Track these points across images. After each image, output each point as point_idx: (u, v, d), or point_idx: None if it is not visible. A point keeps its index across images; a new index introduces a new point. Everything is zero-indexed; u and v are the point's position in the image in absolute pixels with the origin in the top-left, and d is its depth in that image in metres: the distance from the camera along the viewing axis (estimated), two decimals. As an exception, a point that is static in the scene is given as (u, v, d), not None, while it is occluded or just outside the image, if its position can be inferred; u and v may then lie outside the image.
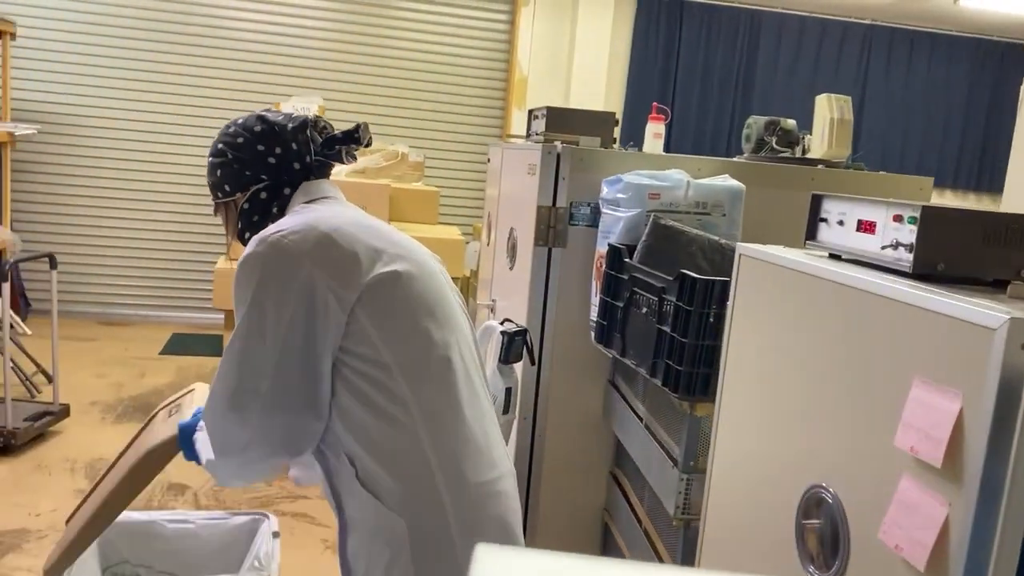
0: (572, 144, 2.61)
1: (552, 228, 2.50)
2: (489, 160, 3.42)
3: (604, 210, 2.40)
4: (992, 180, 7.06)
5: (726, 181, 2.40)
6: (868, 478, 1.17)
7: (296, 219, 1.41)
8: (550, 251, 2.52)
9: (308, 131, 1.52)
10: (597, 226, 2.47)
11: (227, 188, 1.52)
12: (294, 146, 1.51)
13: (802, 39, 6.90)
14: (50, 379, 4.27)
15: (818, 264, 1.37)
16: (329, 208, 1.47)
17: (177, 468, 3.63)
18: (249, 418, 1.33)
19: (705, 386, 1.87)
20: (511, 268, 2.77)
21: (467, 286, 4.73)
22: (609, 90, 6.47)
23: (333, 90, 6.22)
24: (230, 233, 1.58)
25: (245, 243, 1.47)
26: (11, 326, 5.29)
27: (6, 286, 3.75)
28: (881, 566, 1.13)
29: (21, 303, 5.72)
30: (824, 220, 1.48)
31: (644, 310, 2.08)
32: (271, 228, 1.40)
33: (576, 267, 2.52)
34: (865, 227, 1.35)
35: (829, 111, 2.99)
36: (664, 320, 1.97)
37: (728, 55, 6.79)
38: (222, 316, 3.93)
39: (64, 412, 4.04)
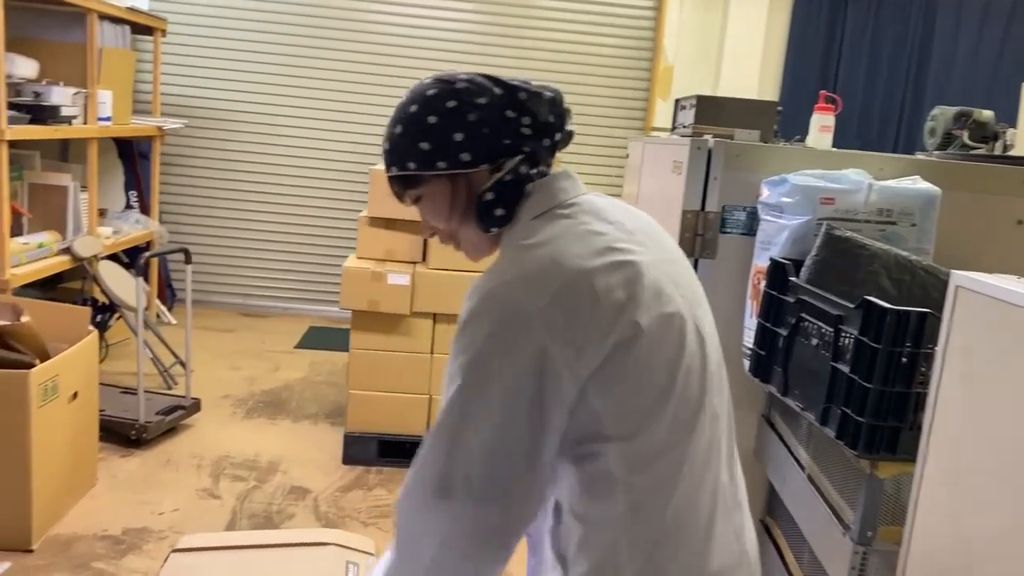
0: (726, 138, 2.26)
1: (700, 236, 2.16)
2: (628, 155, 3.10)
3: (764, 216, 2.04)
4: None
5: (916, 184, 1.99)
6: None
7: (534, 250, 1.08)
8: (696, 263, 2.19)
9: (561, 104, 1.24)
10: (754, 235, 2.12)
11: (464, 157, 1.16)
12: (551, 118, 1.22)
13: (986, 18, 6.13)
14: (184, 367, 4.30)
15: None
16: (577, 224, 1.12)
17: (301, 470, 3.54)
18: (454, 507, 1.07)
19: (893, 442, 1.50)
20: (651, 279, 2.45)
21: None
22: (763, 78, 5.97)
23: (471, 81, 6.04)
24: (443, 221, 1.21)
25: (487, 233, 1.19)
26: (157, 315, 5.44)
27: (141, 281, 3.77)
28: None
29: (167, 293, 5.88)
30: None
31: (814, 342, 1.72)
32: (497, 267, 1.09)
33: (727, 283, 2.18)
34: None
35: (1043, 99, 2.50)
36: (841, 357, 1.60)
37: (899, 38, 6.12)
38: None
39: (195, 406, 4.05)
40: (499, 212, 1.16)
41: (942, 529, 1.27)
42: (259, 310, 6.28)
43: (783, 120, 2.61)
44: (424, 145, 1.16)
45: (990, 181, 2.20)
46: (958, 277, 1.22)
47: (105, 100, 4.57)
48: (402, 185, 1.21)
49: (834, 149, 2.43)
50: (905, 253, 1.83)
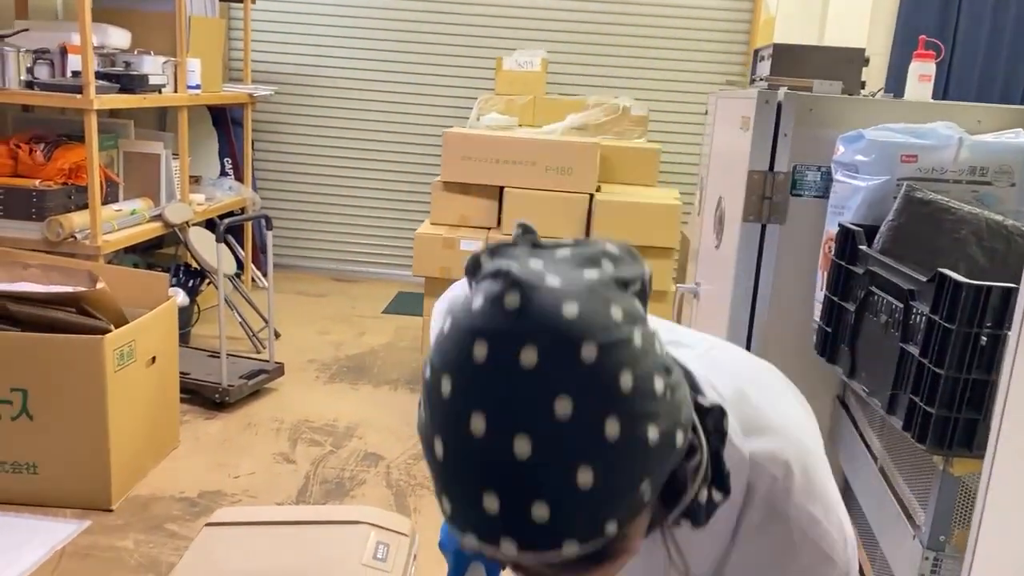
0: (802, 90, 2.05)
1: (767, 199, 1.97)
2: (707, 112, 2.89)
3: (838, 177, 1.83)
4: None
5: (1019, 138, 1.73)
6: None
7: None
8: (764, 228, 1.99)
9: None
10: (828, 198, 1.91)
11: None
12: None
13: None
14: (277, 335, 4.38)
15: None
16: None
17: (376, 436, 3.54)
18: None
19: (969, 436, 1.31)
20: (717, 246, 2.26)
21: (671, 258, 4.23)
22: (874, 29, 5.52)
23: (557, 41, 5.86)
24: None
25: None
26: (252, 280, 5.57)
27: (223, 247, 3.83)
28: None
29: (262, 258, 6.01)
30: None
31: (884, 319, 1.52)
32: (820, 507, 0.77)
33: (798, 250, 1.98)
34: None
35: None
36: (911, 337, 1.40)
37: (1033, -20, 5.52)
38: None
39: (279, 370, 4.11)
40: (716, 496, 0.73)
41: (1013, 534, 1.08)
42: (350, 275, 6.35)
43: (896, 76, 2.35)
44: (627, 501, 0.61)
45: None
46: None
47: (194, 68, 4.65)
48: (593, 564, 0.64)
49: (931, 101, 2.17)
50: (999, 217, 1.60)
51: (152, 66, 4.28)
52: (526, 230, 0.69)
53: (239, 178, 5.57)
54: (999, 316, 1.27)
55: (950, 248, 1.57)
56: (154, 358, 3.14)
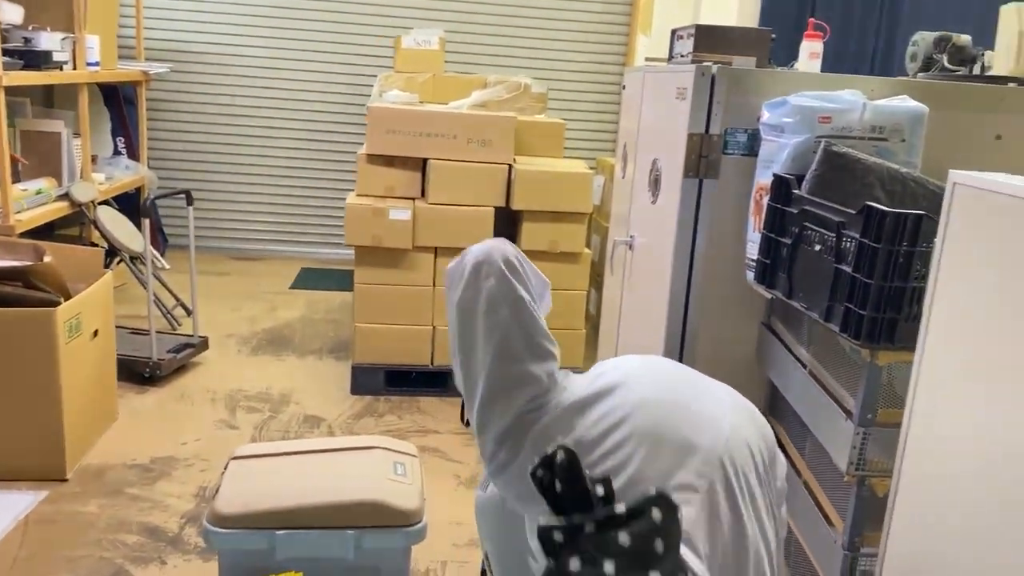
0: (725, 64, 2.39)
1: (704, 158, 2.31)
2: (625, 87, 3.22)
3: (765, 137, 2.19)
4: None
5: (906, 103, 2.14)
6: None
7: None
8: (701, 183, 2.33)
9: None
10: (754, 155, 2.26)
11: None
12: None
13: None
14: (189, 312, 4.41)
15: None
16: None
17: (312, 400, 3.69)
18: None
19: (891, 332, 1.68)
20: (653, 202, 2.59)
21: (591, 222, 4.58)
22: (743, 9, 6.05)
23: (454, 21, 6.07)
24: None
25: None
26: (152, 261, 5.50)
27: (148, 223, 3.85)
28: None
29: (159, 239, 5.92)
30: (1066, 142, 1.25)
31: (817, 247, 1.88)
32: None
33: (730, 200, 2.33)
34: None
35: (1018, 23, 2.64)
36: (843, 259, 1.77)
37: (874, -34, 6.20)
38: (349, 251, 3.92)
39: (204, 344, 4.16)
40: None
41: (941, 408, 1.44)
42: (250, 253, 6.35)
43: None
44: None
45: (970, 100, 2.36)
46: (956, 175, 1.37)
47: (93, 45, 4.57)
48: None
49: (824, 73, 2.57)
50: (896, 166, 1.99)
51: (52, 42, 4.19)
52: (572, 462, 0.88)
53: (133, 157, 5.47)
54: (913, 238, 1.65)
55: (860, 191, 1.95)
56: (96, 331, 3.18)
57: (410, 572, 1.92)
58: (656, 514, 0.81)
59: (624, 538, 0.79)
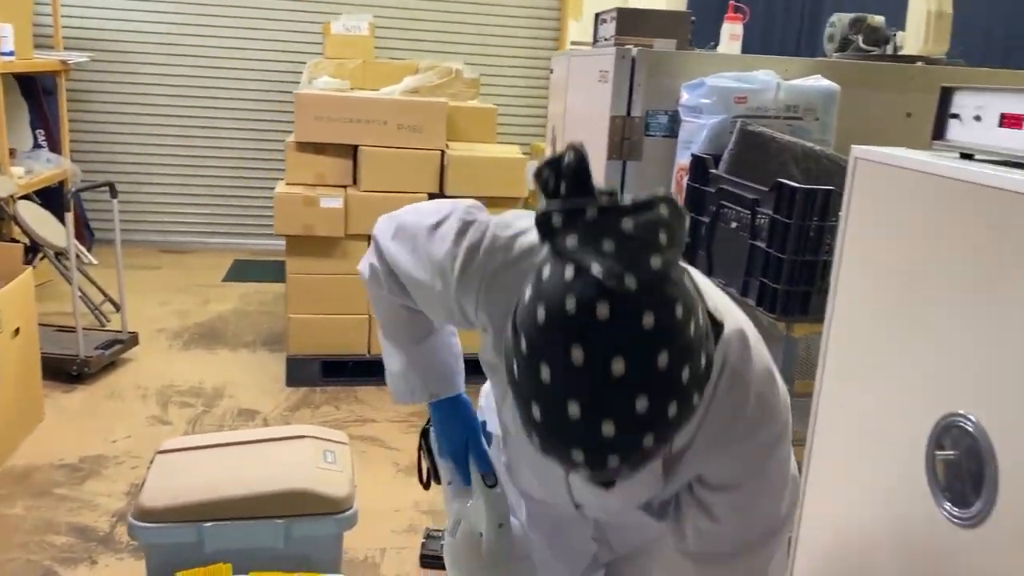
0: (646, 47, 2.43)
1: (627, 140, 2.34)
2: (552, 71, 3.24)
3: (685, 118, 2.23)
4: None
5: (819, 82, 2.20)
6: (1020, 403, 1.04)
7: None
8: (624, 164, 2.37)
9: None
10: (676, 137, 2.30)
11: None
12: None
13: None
14: (117, 308, 4.30)
15: (954, 165, 1.21)
16: None
17: (247, 394, 3.64)
18: None
19: (805, 304, 1.74)
20: (582, 184, 2.62)
21: (525, 207, 4.60)
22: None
23: (384, 6, 6.02)
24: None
25: None
26: (77, 256, 5.34)
27: (70, 216, 3.74)
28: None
29: (85, 233, 5.76)
30: (956, 116, 1.31)
31: (733, 224, 1.93)
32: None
33: (653, 182, 2.37)
34: (1011, 121, 1.18)
35: (926, 4, 2.74)
36: (757, 235, 1.82)
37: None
38: (283, 242, 3.87)
39: (133, 340, 4.08)
40: None
41: (840, 375, 1.50)
42: (181, 246, 6.22)
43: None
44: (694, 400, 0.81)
45: (881, 79, 2.44)
46: (857, 150, 1.42)
47: (6, 34, 4.40)
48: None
49: (742, 55, 2.63)
50: (810, 144, 2.05)
51: (-38, 31, 4.04)
52: (580, 163, 0.79)
53: (54, 149, 5.30)
54: (823, 212, 1.70)
55: (775, 169, 2.00)
56: (17, 329, 3.09)
57: (343, 559, 1.92)
58: (663, 210, 0.75)
59: (627, 224, 0.74)
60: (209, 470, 1.85)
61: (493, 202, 3.84)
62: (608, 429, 0.75)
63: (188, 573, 1.64)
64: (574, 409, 0.75)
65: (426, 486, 1.39)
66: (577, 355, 0.73)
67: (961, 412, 1.14)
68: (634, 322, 0.73)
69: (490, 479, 1.22)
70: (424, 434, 1.34)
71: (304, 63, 5.27)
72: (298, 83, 5.11)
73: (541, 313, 0.76)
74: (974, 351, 1.13)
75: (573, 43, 4.30)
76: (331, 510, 1.82)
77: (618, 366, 0.73)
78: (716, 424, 0.96)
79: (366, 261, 1.28)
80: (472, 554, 1.20)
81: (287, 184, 3.85)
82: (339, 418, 3.61)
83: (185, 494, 1.78)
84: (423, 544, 2.77)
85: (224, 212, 6.26)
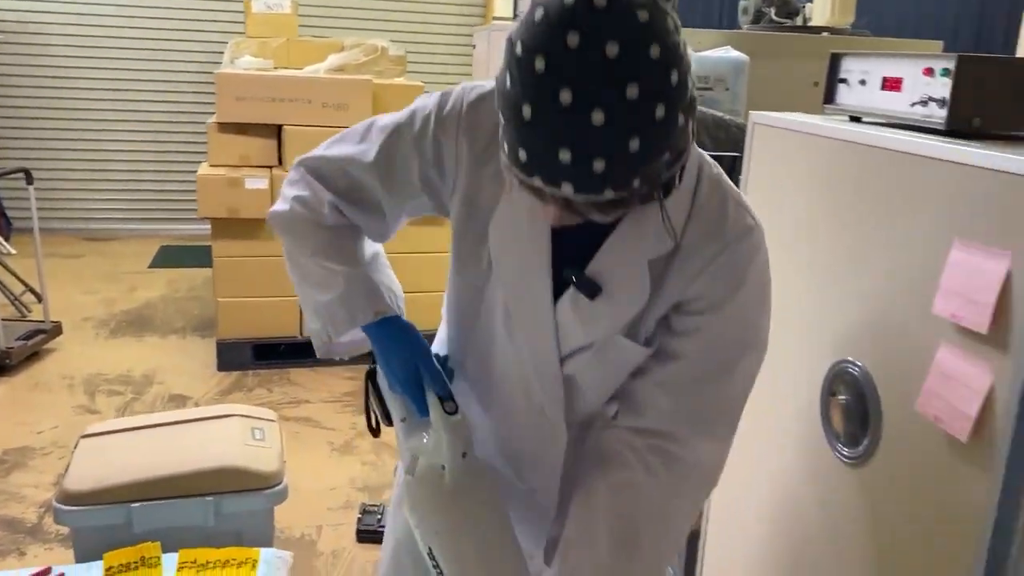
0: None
1: (546, 112, 2.38)
2: (475, 47, 3.25)
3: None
4: (1007, 44, 6.80)
5: (728, 53, 2.27)
6: (900, 349, 1.12)
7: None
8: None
9: None
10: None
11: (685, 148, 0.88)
12: None
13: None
14: (39, 298, 4.19)
15: (840, 127, 1.28)
16: None
17: (177, 380, 3.59)
18: None
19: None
20: (505, 158, 2.66)
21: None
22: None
23: (305, -17, 5.93)
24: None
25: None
26: (-7, 246, 5.17)
27: (-19, 204, 3.63)
28: (917, 439, 1.09)
29: (3, 222, 5.58)
30: (844, 81, 1.38)
31: (648, 192, 1.99)
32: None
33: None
34: (890, 85, 1.25)
35: (832, -25, 2.84)
36: (670, 201, 1.88)
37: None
38: (208, 226, 3.81)
39: (56, 330, 3.98)
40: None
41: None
42: (104, 233, 6.06)
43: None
44: (665, 146, 0.83)
45: (790, 49, 2.53)
46: (755, 115, 1.49)
47: (-95, 15, 4.22)
48: (615, 207, 0.87)
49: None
50: (720, 114, 2.12)
51: None
52: None
53: (-36, 137, 5.11)
54: (728, 177, 1.77)
55: (688, 138, 2.07)
56: (-69, 322, 3.00)
57: (279, 537, 1.94)
58: None
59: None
60: (135, 451, 1.84)
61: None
62: (598, 118, 0.76)
63: (116, 553, 1.63)
64: (566, 96, 0.76)
65: (376, 432, 1.28)
66: (573, 39, 0.76)
67: (850, 359, 1.21)
68: (630, 13, 0.77)
69: (449, 406, 1.11)
70: (371, 375, 1.23)
71: (226, 43, 5.17)
72: (220, 63, 5.01)
73: (539, 12, 0.78)
74: (860, 301, 1.21)
75: (495, 18, 4.31)
76: (260, 485, 1.83)
77: (612, 49, 0.75)
78: (702, 225, 1.02)
79: (286, 201, 1.20)
80: (435, 489, 1.11)
81: (210, 166, 3.79)
82: (272, 400, 3.59)
83: (111, 476, 1.77)
84: (359, 519, 2.82)
85: (148, 198, 6.12)
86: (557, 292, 1.06)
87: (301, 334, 3.87)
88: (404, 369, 1.14)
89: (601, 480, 1.08)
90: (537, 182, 0.83)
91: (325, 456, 3.18)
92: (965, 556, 0.98)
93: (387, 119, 1.16)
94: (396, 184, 1.15)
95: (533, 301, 1.08)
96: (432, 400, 1.10)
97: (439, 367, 1.15)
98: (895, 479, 1.13)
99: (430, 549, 1.10)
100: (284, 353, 3.90)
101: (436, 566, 1.09)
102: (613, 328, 1.06)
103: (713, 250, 1.02)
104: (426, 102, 1.13)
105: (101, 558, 1.67)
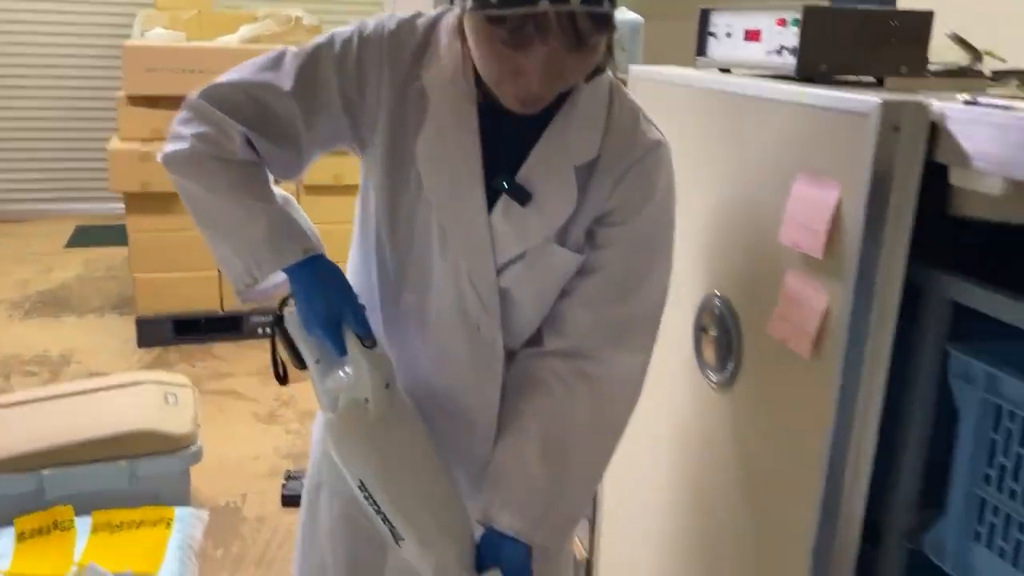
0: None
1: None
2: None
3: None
4: None
5: (624, 15, 2.34)
6: (757, 279, 1.21)
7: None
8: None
9: None
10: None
11: None
12: None
13: None
14: (-54, 281, 4.08)
15: (708, 77, 1.37)
16: None
17: (96, 358, 3.55)
18: None
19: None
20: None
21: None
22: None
23: (214, -47, 5.79)
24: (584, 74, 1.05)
25: None
26: None
27: None
28: (771, 360, 1.19)
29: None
30: (712, 34, 1.46)
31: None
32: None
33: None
34: (751, 36, 1.34)
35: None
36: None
37: None
38: (122, 202, 3.74)
39: (-34, 313, 3.89)
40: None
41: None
42: (14, 215, 5.87)
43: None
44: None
45: (684, 8, 2.60)
46: (635, 70, 1.56)
47: None
48: (602, 26, 0.96)
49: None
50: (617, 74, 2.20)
51: None
52: None
53: None
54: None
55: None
56: None
57: (204, 506, 1.97)
58: None
59: None
60: (46, 420, 1.85)
61: (341, 149, 3.89)
62: None
63: (27, 518, 1.65)
64: None
65: (284, 380, 1.24)
66: None
67: (717, 292, 1.31)
68: None
69: (369, 340, 1.10)
70: (278, 321, 1.18)
71: (134, 15, 5.04)
72: (130, 36, 4.89)
73: None
74: (724, 238, 1.30)
75: (405, -14, 4.30)
76: (174, 447, 1.86)
77: None
78: (616, 138, 1.11)
79: (183, 139, 1.12)
80: (360, 423, 1.10)
81: (121, 140, 3.73)
82: (195, 375, 3.58)
83: (20, 444, 1.78)
84: (284, 485, 2.85)
85: (61, 176, 5.94)
86: (489, 204, 1.11)
87: (222, 308, 3.86)
88: (328, 308, 1.12)
89: (528, 407, 1.14)
90: (544, 4, 0.89)
91: (250, 427, 3.20)
92: (812, 460, 1.08)
93: (300, 47, 1.14)
94: (316, 110, 1.11)
95: (468, 214, 1.11)
96: (350, 336, 1.10)
97: (360, 304, 1.15)
98: (754, 400, 1.23)
99: (361, 482, 1.09)
100: (206, 327, 3.88)
101: (368, 497, 1.09)
102: (545, 235, 1.11)
103: (627, 162, 1.11)
104: (343, 29, 1.13)
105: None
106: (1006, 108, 0.90)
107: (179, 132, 1.13)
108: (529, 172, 1.09)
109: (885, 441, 1.07)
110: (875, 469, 1.06)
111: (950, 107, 0.95)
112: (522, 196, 1.08)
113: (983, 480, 1.00)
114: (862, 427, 1.04)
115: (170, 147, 1.14)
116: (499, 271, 1.13)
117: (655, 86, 1.50)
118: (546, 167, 1.10)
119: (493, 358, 1.18)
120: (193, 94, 1.15)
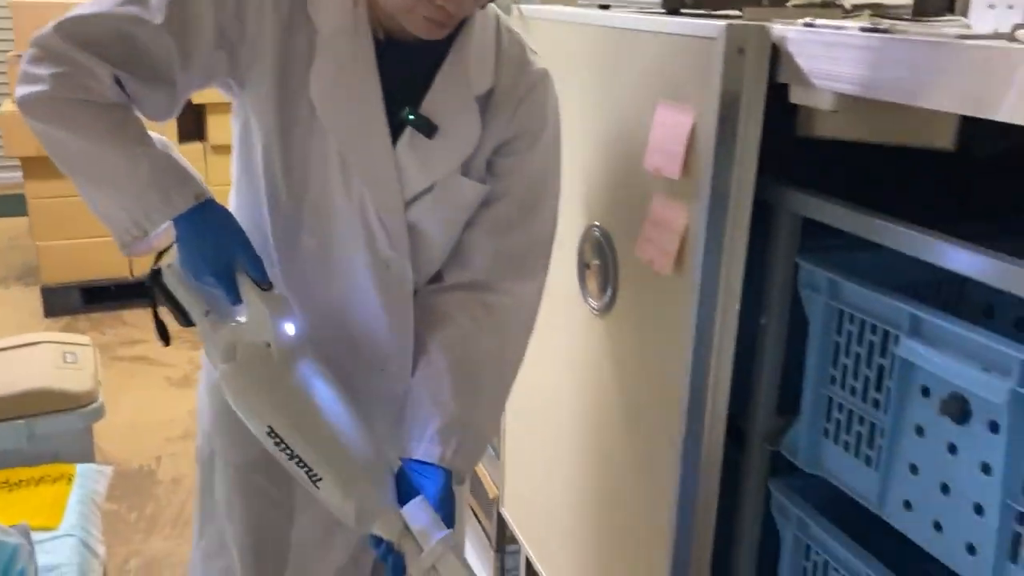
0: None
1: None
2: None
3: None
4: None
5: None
6: (630, 207, 1.26)
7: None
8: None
9: None
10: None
11: None
12: None
13: None
14: None
15: (586, 13, 1.41)
16: None
17: (2, 330, 3.43)
18: None
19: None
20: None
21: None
22: None
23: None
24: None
25: None
26: None
27: None
28: (643, 283, 1.25)
29: None
30: (591, -27, 1.50)
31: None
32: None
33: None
34: (626, -27, 1.38)
35: None
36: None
37: None
38: (19, 169, 3.61)
39: None
40: None
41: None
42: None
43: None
44: None
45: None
46: (524, 9, 1.58)
47: None
48: None
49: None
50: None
51: None
52: None
53: None
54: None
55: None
56: None
57: (94, 451, 1.96)
58: None
59: None
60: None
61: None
62: None
63: (-83, 480, 1.62)
64: None
65: (167, 340, 1.19)
66: None
67: (596, 223, 1.36)
68: None
69: (265, 284, 1.07)
70: (155, 276, 1.13)
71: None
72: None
73: None
74: (599, 170, 1.35)
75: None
76: (74, 405, 1.84)
77: None
78: (508, 69, 1.14)
79: (41, 82, 1.02)
80: (264, 367, 1.06)
81: (14, 102, 3.59)
82: (106, 342, 3.52)
83: (-91, 408, 1.74)
84: (270, 436, 2.81)
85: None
86: (393, 137, 1.10)
87: (132, 274, 3.78)
88: (221, 254, 1.07)
89: (436, 340, 1.15)
90: None
91: (163, 391, 3.18)
92: (679, 372, 1.15)
93: None
94: (191, 45, 1.04)
95: (372, 148, 1.10)
96: (245, 281, 1.06)
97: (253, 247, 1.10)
98: (630, 321, 1.29)
99: (271, 427, 1.05)
100: (115, 294, 3.80)
101: (280, 443, 1.05)
102: (451, 167, 1.12)
103: (521, 91, 1.14)
104: None
105: (-95, 490, 1.65)
106: (838, 28, 0.96)
107: (34, 74, 1.03)
108: (433, 103, 1.09)
109: (746, 352, 1.14)
110: (738, 378, 1.13)
111: (790, 30, 1.00)
112: (428, 128, 1.08)
113: (829, 381, 1.07)
114: (721, 338, 1.10)
115: (25, 89, 1.04)
116: (407, 206, 1.12)
117: (537, 24, 1.53)
118: (449, 98, 1.10)
119: (403, 296, 1.17)
120: (46, 29, 1.02)
